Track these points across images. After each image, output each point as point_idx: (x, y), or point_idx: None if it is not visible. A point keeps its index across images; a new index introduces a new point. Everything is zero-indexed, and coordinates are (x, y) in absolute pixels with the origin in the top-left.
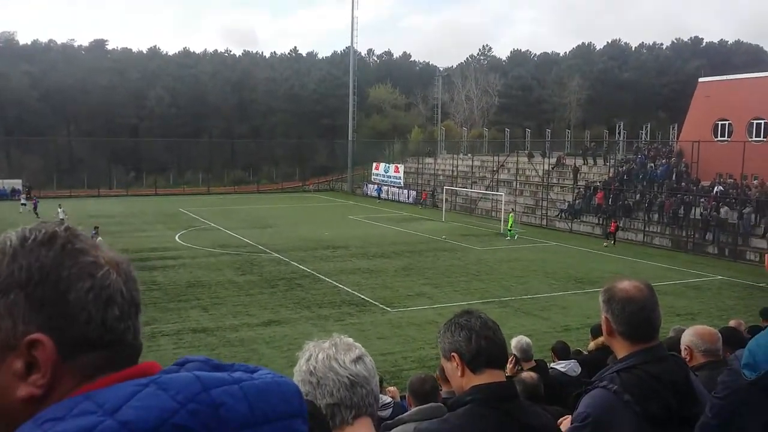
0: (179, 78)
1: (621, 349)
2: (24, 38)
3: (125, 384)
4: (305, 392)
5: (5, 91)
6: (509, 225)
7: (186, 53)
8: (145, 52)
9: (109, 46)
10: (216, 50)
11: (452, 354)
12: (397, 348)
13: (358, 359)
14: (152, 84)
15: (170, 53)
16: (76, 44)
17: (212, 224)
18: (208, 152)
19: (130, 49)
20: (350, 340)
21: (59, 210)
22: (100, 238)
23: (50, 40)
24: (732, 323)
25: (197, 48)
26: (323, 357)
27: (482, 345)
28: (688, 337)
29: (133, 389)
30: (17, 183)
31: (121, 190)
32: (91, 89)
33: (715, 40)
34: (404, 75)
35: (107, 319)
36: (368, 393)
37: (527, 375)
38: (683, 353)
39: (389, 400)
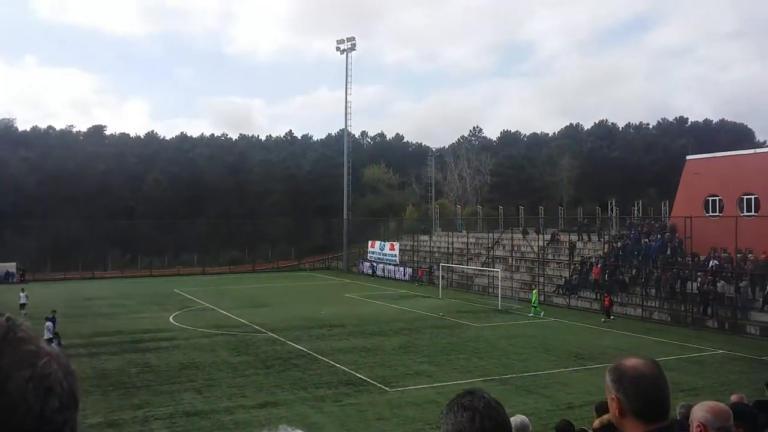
0: (176, 161)
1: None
2: (22, 125)
3: None
4: None
5: (3, 177)
6: (533, 301)
7: (183, 137)
8: (142, 136)
9: (108, 132)
10: (213, 134)
11: None
12: (396, 429)
13: None
14: (149, 168)
15: (167, 137)
16: (74, 130)
17: (207, 304)
18: (203, 233)
19: (128, 134)
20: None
21: (21, 294)
22: (48, 326)
23: (49, 126)
24: (733, 398)
25: (194, 132)
26: None
27: (486, 426)
28: (700, 413)
29: None
30: (11, 266)
31: (116, 272)
32: (89, 174)
33: (700, 120)
34: (397, 155)
35: (46, 410)
36: None
37: None
38: (696, 430)
39: None
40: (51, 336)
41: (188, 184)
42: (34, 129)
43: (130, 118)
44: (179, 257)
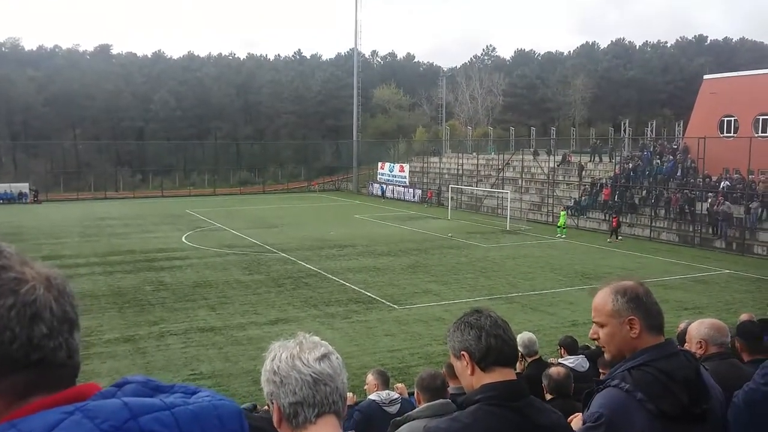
0: (184, 81)
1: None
2: (29, 44)
3: (52, 411)
4: (269, 392)
5: (11, 97)
6: (561, 223)
7: (190, 57)
8: (149, 56)
9: (114, 51)
10: (220, 53)
11: (462, 352)
12: (404, 345)
13: (323, 357)
14: (157, 88)
15: (174, 57)
16: (81, 49)
17: (219, 225)
18: (213, 154)
19: (135, 54)
20: (317, 338)
21: None
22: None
23: (55, 46)
24: (743, 317)
25: (201, 51)
26: (287, 356)
27: (492, 343)
28: (704, 330)
29: (58, 417)
30: (24, 186)
31: (127, 192)
32: (97, 94)
33: (720, 38)
34: (408, 75)
35: (33, 336)
36: (332, 391)
37: (555, 370)
38: (696, 347)
39: (397, 396)
40: None
41: (196, 105)
42: (41, 48)
43: (135, 37)
44: (190, 178)
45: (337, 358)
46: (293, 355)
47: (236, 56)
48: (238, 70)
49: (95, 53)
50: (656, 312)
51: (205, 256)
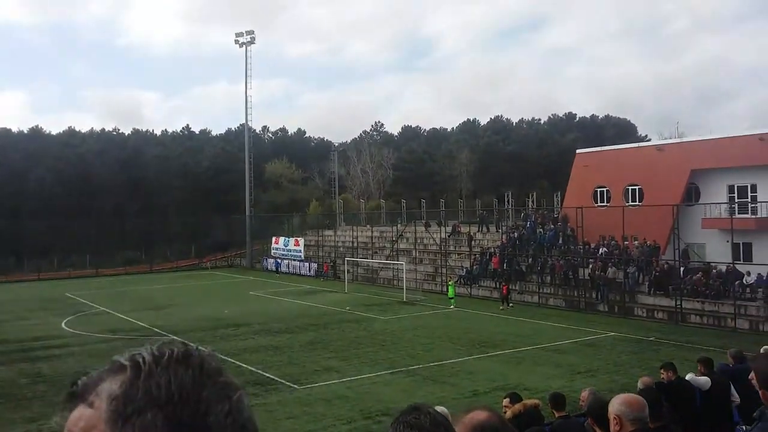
0: (63, 157)
1: None
2: None
3: None
4: None
5: None
6: (450, 293)
7: (71, 132)
8: (26, 131)
9: None
10: (103, 129)
11: None
12: (307, 427)
13: None
14: (34, 164)
15: (53, 132)
16: None
17: (102, 308)
18: (95, 232)
19: (10, 129)
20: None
21: None
22: None
23: None
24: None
25: (83, 127)
26: None
27: None
28: (616, 406)
29: None
30: None
31: (0, 276)
32: None
33: (587, 115)
34: (300, 150)
35: None
36: None
37: None
38: (612, 423)
39: None
40: None
41: (78, 181)
42: None
43: (11, 112)
44: (69, 259)
45: None
46: None
47: (120, 131)
48: (122, 145)
49: None
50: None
51: (88, 342)
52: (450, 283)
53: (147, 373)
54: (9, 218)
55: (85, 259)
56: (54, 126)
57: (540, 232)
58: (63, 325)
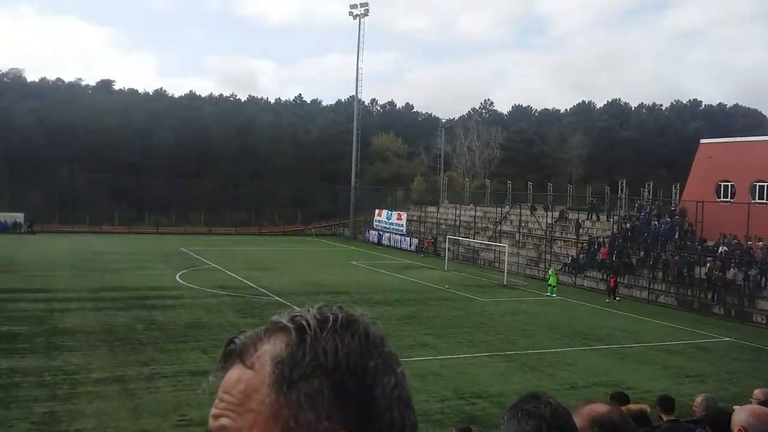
0: (184, 120)
1: None
2: (31, 76)
3: None
4: None
5: (10, 127)
6: (552, 281)
7: (191, 96)
8: (151, 93)
9: (116, 87)
10: (221, 94)
11: None
12: None
13: None
14: (157, 125)
15: (176, 95)
16: (83, 83)
17: (214, 265)
18: (210, 193)
19: (136, 90)
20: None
21: None
22: None
23: (57, 79)
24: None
25: (202, 91)
26: None
27: None
28: (743, 417)
29: None
30: (20, 216)
31: (122, 227)
32: (97, 128)
33: (714, 103)
34: (407, 125)
35: (406, 426)
36: None
37: None
38: None
39: None
40: None
41: (196, 143)
42: (43, 81)
43: (138, 74)
44: (186, 216)
45: None
46: None
47: (237, 98)
48: (238, 111)
49: (97, 88)
50: None
51: (199, 296)
52: (551, 270)
53: (313, 338)
54: (133, 174)
55: (200, 217)
56: (176, 89)
57: (655, 224)
58: (177, 277)
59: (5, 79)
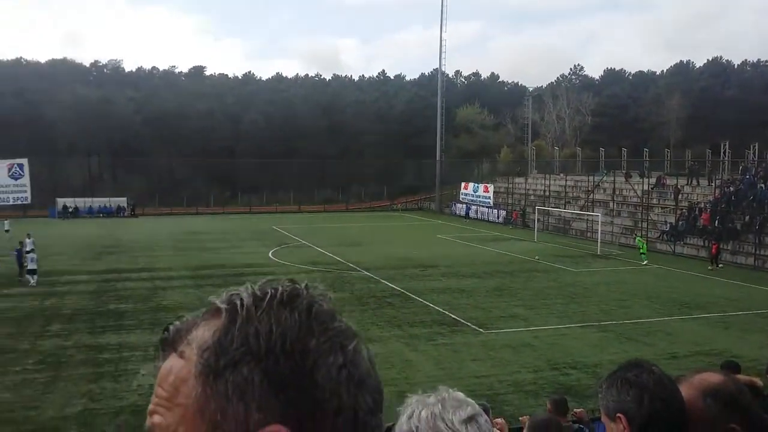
0: (272, 102)
1: None
2: (129, 65)
3: None
4: None
5: (112, 116)
6: (643, 249)
7: (278, 78)
8: (240, 77)
9: (207, 72)
10: (307, 74)
11: (618, 415)
12: (492, 371)
13: (470, 419)
14: (247, 108)
15: (264, 78)
16: (176, 71)
17: (304, 242)
18: (298, 172)
19: (226, 75)
20: (461, 395)
21: (27, 241)
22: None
23: (153, 67)
24: None
25: (289, 73)
26: (427, 415)
27: (657, 409)
28: None
29: None
30: (122, 201)
31: (217, 208)
32: (190, 113)
33: None
34: (492, 95)
35: (359, 408)
36: None
37: None
38: None
39: None
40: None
41: (284, 124)
42: (140, 70)
43: (227, 59)
44: (276, 195)
45: (486, 421)
46: (434, 414)
47: (322, 77)
48: (323, 90)
49: (189, 74)
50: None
51: (291, 272)
52: (638, 239)
53: (244, 319)
54: (225, 156)
55: (290, 196)
56: (264, 72)
57: (761, 187)
58: (270, 254)
59: (105, 71)
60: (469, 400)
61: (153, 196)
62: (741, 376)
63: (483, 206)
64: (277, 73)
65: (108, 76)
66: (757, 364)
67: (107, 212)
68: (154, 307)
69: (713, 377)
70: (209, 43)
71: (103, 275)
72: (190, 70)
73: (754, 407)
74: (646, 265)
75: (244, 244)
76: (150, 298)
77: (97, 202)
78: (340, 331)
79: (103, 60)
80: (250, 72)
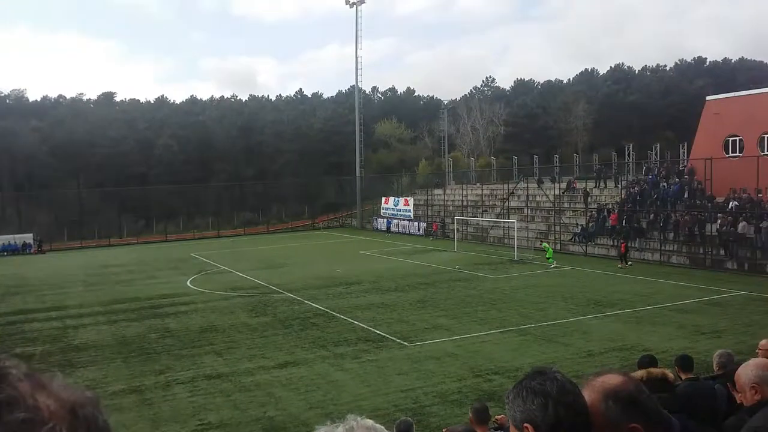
0: (186, 125)
1: None
2: (33, 95)
3: None
4: None
5: (15, 148)
6: (549, 254)
7: (192, 101)
8: (152, 101)
9: (117, 98)
10: (222, 96)
11: (525, 425)
12: (417, 384)
13: None
14: (160, 133)
15: (177, 101)
16: (84, 98)
17: (224, 267)
18: (216, 196)
19: (138, 100)
20: (369, 422)
21: None
22: None
23: (59, 95)
24: (764, 343)
25: (203, 95)
26: None
27: (561, 414)
28: (752, 373)
29: None
30: (28, 237)
31: (131, 238)
32: (100, 141)
33: (719, 59)
34: (409, 110)
35: None
36: None
37: None
38: (751, 393)
39: None
40: None
41: (199, 147)
42: (45, 99)
43: (139, 84)
44: (193, 221)
45: None
46: None
47: (238, 98)
48: (240, 111)
49: (99, 101)
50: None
51: (211, 299)
52: (544, 244)
53: None
54: (138, 184)
55: (208, 221)
56: (177, 95)
57: (663, 186)
58: (188, 283)
59: (8, 101)
60: (379, 426)
61: (61, 229)
62: (655, 369)
63: (404, 220)
64: (191, 96)
65: (10, 106)
66: (667, 356)
67: (12, 250)
68: (64, 347)
69: (613, 379)
70: (119, 69)
71: (7, 317)
72: (99, 96)
73: (654, 405)
74: (554, 267)
75: (160, 274)
76: (60, 339)
77: (1, 239)
78: (22, 422)
79: (5, 90)
80: (162, 96)
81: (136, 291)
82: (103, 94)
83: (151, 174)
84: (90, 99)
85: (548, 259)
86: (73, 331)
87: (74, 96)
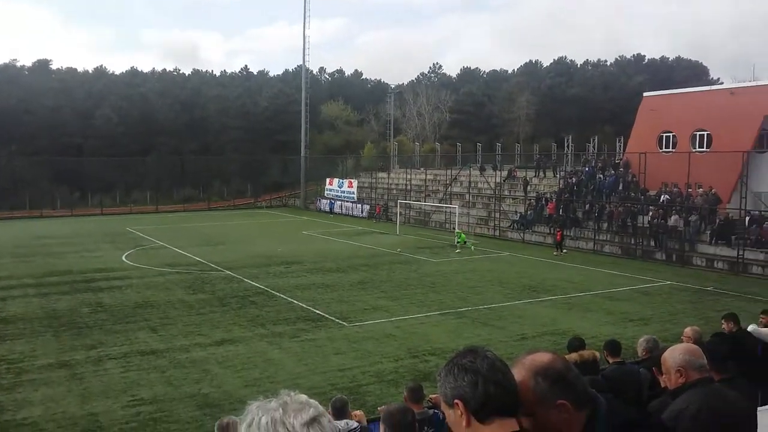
0: (127, 97)
1: None
2: None
3: None
4: None
5: None
6: (461, 239)
7: (133, 72)
8: (91, 71)
9: (54, 66)
10: (165, 69)
11: (455, 401)
12: (355, 363)
13: (313, 421)
14: (99, 104)
15: (117, 72)
16: (18, 64)
17: (161, 243)
18: (156, 170)
19: (76, 69)
20: (303, 397)
21: None
22: None
23: None
24: (688, 331)
25: (144, 67)
26: (267, 421)
27: (491, 391)
28: (679, 357)
29: None
30: None
31: (65, 210)
32: (35, 109)
33: (657, 57)
34: (356, 92)
35: None
36: None
37: None
38: (676, 376)
39: (356, 425)
40: None
41: (140, 120)
42: None
43: (77, 53)
44: (131, 195)
45: (329, 421)
46: (275, 419)
47: (181, 72)
48: (182, 85)
49: (33, 68)
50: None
51: (147, 275)
52: (457, 231)
53: None
54: (75, 155)
55: (146, 195)
56: (117, 66)
57: (599, 178)
58: (124, 258)
59: None
60: (312, 401)
61: None
62: (586, 352)
63: (348, 201)
64: (132, 68)
65: None
66: (597, 341)
67: None
68: None
69: (543, 357)
70: (54, 36)
71: None
72: (33, 63)
73: (582, 383)
74: (469, 250)
75: (95, 248)
76: None
77: None
78: None
79: None
80: (101, 66)
81: (68, 264)
82: (38, 61)
83: (88, 145)
84: (24, 65)
85: (457, 242)
86: (1, 303)
87: (7, 62)
